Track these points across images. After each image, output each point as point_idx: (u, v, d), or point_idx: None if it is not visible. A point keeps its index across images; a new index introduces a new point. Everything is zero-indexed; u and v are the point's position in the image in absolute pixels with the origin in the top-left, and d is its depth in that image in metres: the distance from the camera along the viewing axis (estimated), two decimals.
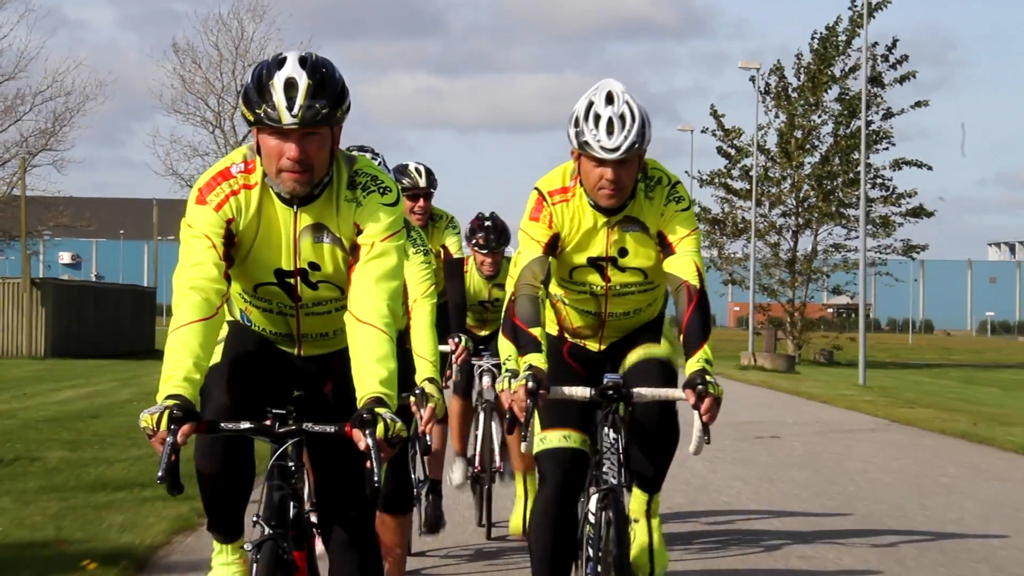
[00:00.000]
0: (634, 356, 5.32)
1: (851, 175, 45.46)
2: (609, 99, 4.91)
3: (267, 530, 4.03)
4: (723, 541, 8.51)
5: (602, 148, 4.86)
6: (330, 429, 3.94)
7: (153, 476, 3.69)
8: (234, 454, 4.20)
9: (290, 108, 3.92)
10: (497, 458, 8.36)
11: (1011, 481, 12.16)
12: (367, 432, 3.74)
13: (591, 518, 4.97)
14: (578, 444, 5.18)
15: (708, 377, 4.76)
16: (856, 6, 45.00)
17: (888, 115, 46.42)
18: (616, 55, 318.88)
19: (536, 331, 4.91)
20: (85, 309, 38.29)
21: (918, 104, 46.49)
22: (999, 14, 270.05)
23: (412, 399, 5.33)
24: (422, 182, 7.53)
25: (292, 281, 4.21)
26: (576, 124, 4.92)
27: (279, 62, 4.01)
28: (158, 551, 7.47)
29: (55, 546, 7.44)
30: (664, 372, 5.27)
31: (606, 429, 5.01)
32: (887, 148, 46.97)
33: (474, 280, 8.48)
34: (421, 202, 7.57)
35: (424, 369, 5.71)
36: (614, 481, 4.96)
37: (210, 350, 3.99)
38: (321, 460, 4.28)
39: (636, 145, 4.88)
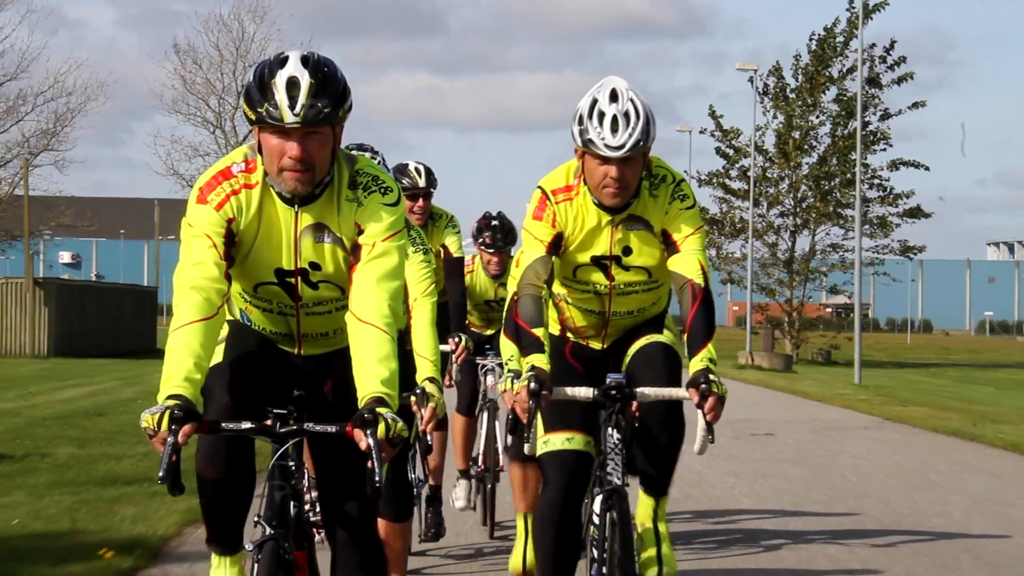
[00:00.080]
0: (636, 345, 5.27)
1: (848, 176, 45.69)
2: (613, 96, 4.86)
3: (268, 530, 4.03)
4: (711, 531, 8.78)
5: (606, 146, 4.81)
6: (331, 429, 3.94)
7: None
8: (236, 459, 4.17)
9: (292, 107, 3.91)
10: (501, 458, 8.31)
11: (998, 477, 12.45)
12: (368, 432, 3.74)
13: (595, 519, 4.95)
14: (581, 446, 5.14)
15: (712, 376, 4.72)
16: (854, 7, 45.25)
17: (886, 116, 46.72)
18: (616, 55, 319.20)
19: (539, 331, 4.88)
20: (87, 309, 38.56)
21: (915, 105, 46.78)
22: (999, 14, 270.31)
23: (413, 399, 5.30)
24: (422, 182, 7.53)
25: (293, 281, 4.20)
26: (580, 122, 4.87)
27: (281, 61, 4.00)
28: (170, 541, 7.75)
29: (71, 536, 7.74)
30: (668, 357, 5.21)
31: (609, 429, 4.97)
32: (884, 149, 47.29)
33: (480, 279, 8.48)
34: (421, 202, 7.57)
35: (425, 368, 5.69)
36: (618, 482, 4.93)
37: (211, 350, 3.99)
38: (323, 459, 4.29)
39: (641, 143, 4.83)
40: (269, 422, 4.01)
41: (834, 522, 9.40)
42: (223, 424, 3.93)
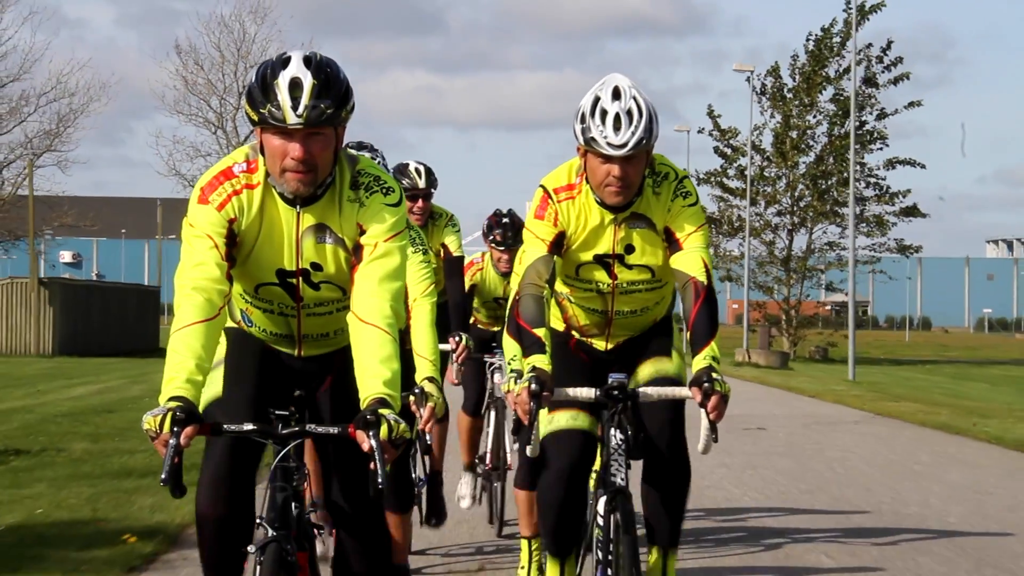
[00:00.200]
0: (644, 373, 5.22)
1: (845, 174, 46.11)
2: (616, 94, 4.81)
3: (270, 531, 4.03)
4: (698, 517, 9.19)
5: (609, 145, 4.76)
6: (333, 430, 3.92)
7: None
8: (238, 498, 4.15)
9: (295, 108, 3.90)
10: (509, 455, 8.27)
11: (978, 467, 12.88)
12: (371, 433, 3.72)
13: (600, 520, 4.90)
14: (587, 426, 5.12)
15: (715, 375, 4.67)
16: (850, 8, 45.70)
17: (882, 115, 47.18)
18: (616, 53, 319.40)
19: (540, 331, 4.84)
20: (91, 308, 39.00)
21: (911, 104, 47.26)
22: (998, 12, 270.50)
23: (412, 398, 5.29)
24: (421, 183, 7.50)
25: (294, 281, 4.19)
26: (582, 120, 4.82)
27: (283, 62, 3.98)
28: (187, 528, 8.12)
29: (93, 524, 8.17)
30: (673, 397, 5.09)
31: (612, 430, 4.92)
32: (881, 148, 47.76)
33: (489, 276, 8.50)
34: (420, 203, 7.54)
35: (424, 368, 5.68)
36: (622, 483, 4.89)
37: (212, 351, 3.96)
38: (326, 459, 4.32)
39: (644, 141, 4.78)
40: (271, 424, 4.03)
41: (816, 508, 9.83)
42: (225, 426, 3.91)
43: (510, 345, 5.08)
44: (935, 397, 24.54)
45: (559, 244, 5.01)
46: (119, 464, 11.18)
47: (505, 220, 8.23)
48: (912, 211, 47.50)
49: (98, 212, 55.33)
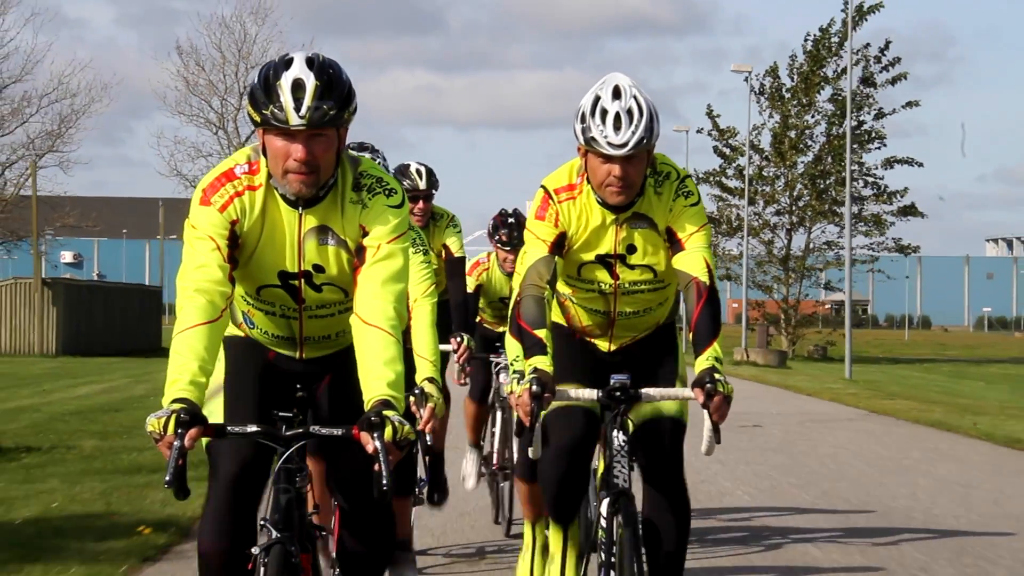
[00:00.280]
0: (646, 409, 5.10)
1: (843, 174, 46.44)
2: (616, 93, 4.78)
3: (275, 533, 4.03)
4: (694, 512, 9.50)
5: (609, 144, 4.73)
6: (337, 432, 3.92)
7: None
8: (241, 536, 4.13)
9: (297, 109, 3.89)
10: (516, 454, 8.04)
11: (966, 462, 13.20)
12: (375, 435, 3.72)
13: (603, 522, 4.88)
14: (590, 403, 5.09)
15: (717, 375, 4.63)
16: (848, 8, 45.98)
17: (880, 115, 47.49)
18: (615, 52, 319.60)
19: (541, 332, 4.82)
20: (94, 308, 39.30)
21: (909, 104, 47.59)
22: (998, 10, 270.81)
23: (412, 399, 5.27)
24: (422, 184, 7.48)
25: (296, 283, 4.18)
26: (583, 120, 4.79)
27: (286, 63, 3.97)
28: (199, 521, 8.48)
29: (108, 517, 8.48)
30: (675, 431, 5.12)
31: (615, 431, 4.90)
32: (879, 148, 48.07)
33: (495, 276, 8.51)
34: (421, 204, 7.52)
35: (424, 369, 5.67)
36: (625, 484, 4.87)
37: (215, 353, 3.95)
38: (331, 458, 4.38)
39: (644, 141, 4.75)
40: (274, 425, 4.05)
41: (806, 501, 10.15)
42: (229, 427, 3.93)
43: (513, 346, 5.05)
44: (930, 395, 24.85)
45: (560, 245, 4.99)
46: (128, 461, 11.47)
47: (511, 220, 8.24)
48: (910, 210, 47.82)
49: (99, 212, 55.52)
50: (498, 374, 8.45)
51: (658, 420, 5.11)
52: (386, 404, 3.81)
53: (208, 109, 51.81)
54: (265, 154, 4.05)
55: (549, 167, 5.22)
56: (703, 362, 4.71)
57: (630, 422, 4.96)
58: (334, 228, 4.12)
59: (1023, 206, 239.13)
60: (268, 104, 3.92)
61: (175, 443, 3.69)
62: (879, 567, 7.61)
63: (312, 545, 4.26)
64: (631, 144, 4.72)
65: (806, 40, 48.01)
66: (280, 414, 4.16)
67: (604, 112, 4.74)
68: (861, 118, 46.69)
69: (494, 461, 8.44)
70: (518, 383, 4.77)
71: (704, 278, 4.84)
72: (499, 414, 8.47)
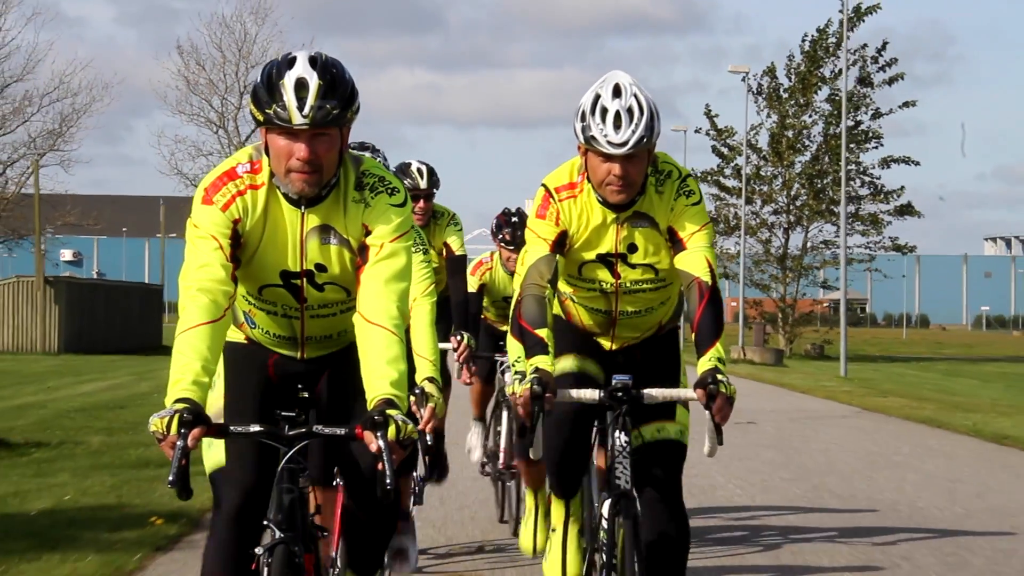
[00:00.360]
0: (649, 431, 5.04)
1: (841, 173, 46.73)
2: (616, 92, 4.77)
3: (278, 533, 4.04)
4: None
5: (609, 143, 4.71)
6: (341, 431, 3.93)
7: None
8: (243, 564, 4.12)
9: (301, 108, 3.89)
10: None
11: (954, 458, 13.52)
12: (379, 434, 3.73)
13: (604, 524, 4.86)
14: (593, 371, 5.10)
15: (719, 376, 4.60)
16: (844, 9, 46.24)
17: (877, 115, 47.78)
18: (615, 50, 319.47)
19: (542, 332, 4.80)
20: (96, 306, 39.53)
21: (906, 104, 47.87)
22: (998, 9, 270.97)
23: (412, 398, 5.23)
24: (423, 183, 7.50)
25: (298, 283, 4.18)
26: (583, 119, 4.77)
27: (289, 62, 3.97)
28: (208, 513, 8.75)
29: (119, 509, 8.79)
30: (675, 453, 5.07)
31: (617, 432, 4.87)
32: (876, 147, 48.35)
33: (498, 276, 8.55)
34: (422, 203, 7.53)
35: (424, 368, 5.65)
36: (627, 486, 4.84)
37: (218, 352, 3.95)
38: (335, 459, 4.42)
39: (644, 139, 4.72)
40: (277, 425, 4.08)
41: (795, 496, 10.45)
42: (232, 427, 3.95)
43: (514, 346, 5.02)
44: (923, 392, 25.13)
45: (561, 244, 4.97)
46: (136, 456, 11.76)
47: (514, 220, 8.27)
48: (907, 210, 48.11)
49: (100, 210, 55.77)
50: (503, 372, 8.50)
51: (658, 443, 5.04)
52: (389, 403, 3.82)
53: (208, 108, 52.09)
54: (267, 153, 4.05)
55: (549, 166, 5.22)
56: (706, 363, 4.69)
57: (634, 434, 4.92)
58: (336, 227, 4.13)
59: (1022, 205, 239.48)
60: (271, 103, 3.93)
61: (178, 443, 3.70)
62: (863, 556, 7.91)
63: (315, 545, 4.29)
64: (631, 143, 4.71)
65: (803, 40, 48.33)
66: (283, 414, 4.19)
67: (604, 111, 4.74)
68: (858, 118, 46.98)
69: (500, 461, 8.46)
70: (519, 383, 4.77)
71: (706, 278, 4.82)
72: (504, 413, 8.49)
